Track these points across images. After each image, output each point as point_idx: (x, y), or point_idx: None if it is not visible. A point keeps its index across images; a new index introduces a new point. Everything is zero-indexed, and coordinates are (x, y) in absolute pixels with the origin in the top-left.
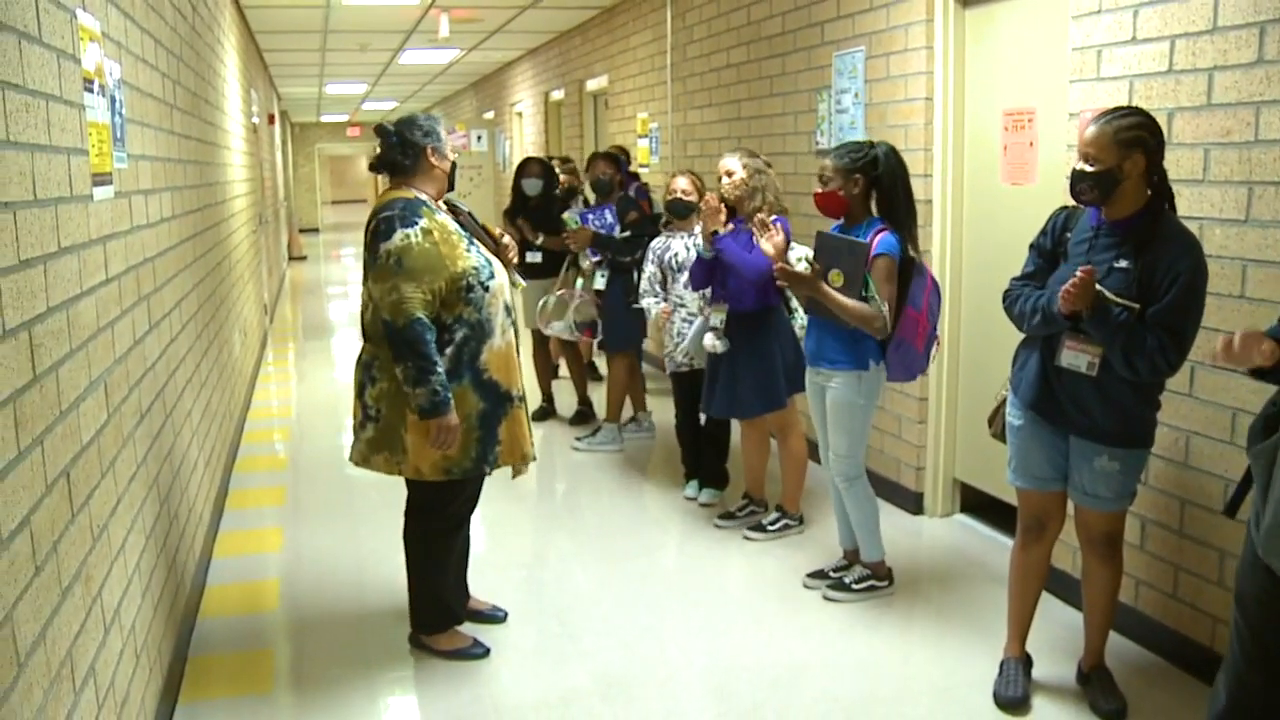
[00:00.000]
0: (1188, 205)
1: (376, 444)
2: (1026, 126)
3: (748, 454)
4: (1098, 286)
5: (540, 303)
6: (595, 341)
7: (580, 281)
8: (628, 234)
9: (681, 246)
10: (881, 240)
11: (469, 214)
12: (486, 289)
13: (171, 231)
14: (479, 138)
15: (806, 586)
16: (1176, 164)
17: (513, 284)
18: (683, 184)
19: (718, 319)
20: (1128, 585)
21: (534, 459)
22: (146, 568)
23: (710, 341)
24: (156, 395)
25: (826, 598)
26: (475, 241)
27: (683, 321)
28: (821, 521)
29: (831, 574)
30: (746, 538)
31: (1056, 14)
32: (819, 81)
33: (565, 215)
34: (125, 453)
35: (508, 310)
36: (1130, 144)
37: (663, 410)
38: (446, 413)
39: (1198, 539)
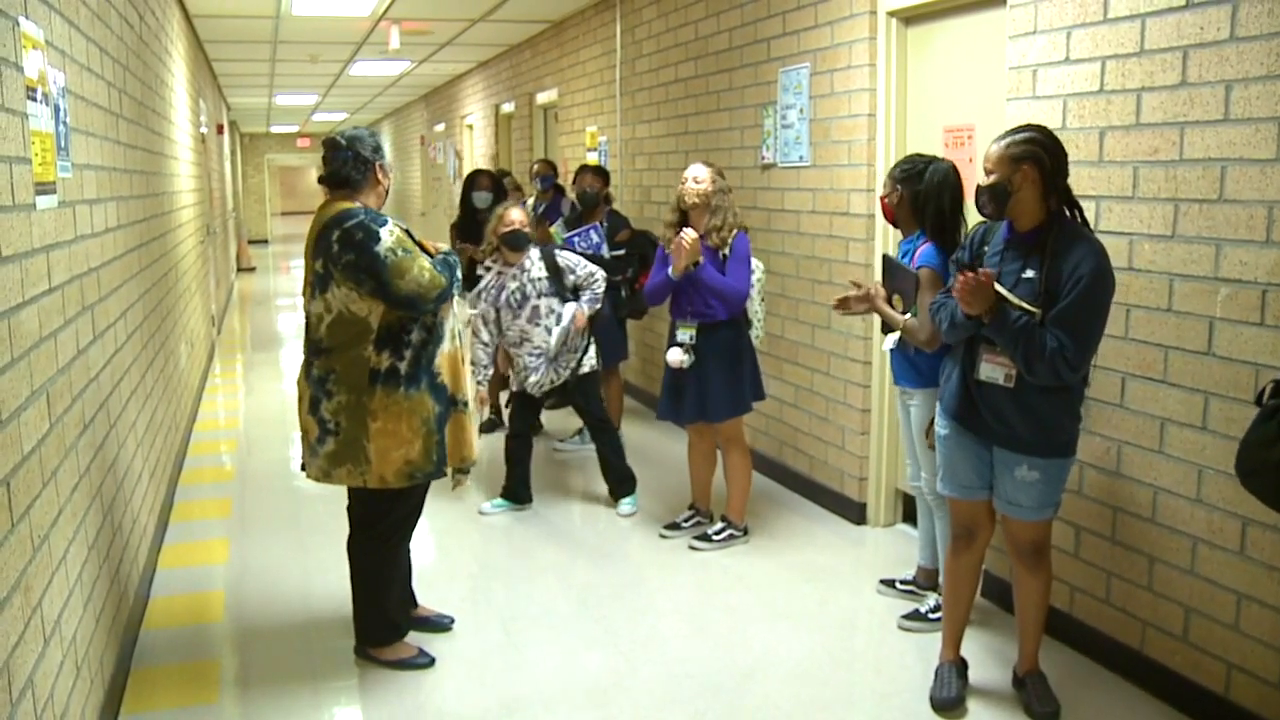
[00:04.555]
0: (1118, 221)
1: (338, 458)
2: (966, 143)
3: (694, 465)
4: (998, 288)
5: None
6: None
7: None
8: (620, 252)
9: (516, 285)
10: (921, 253)
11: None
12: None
13: (117, 241)
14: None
15: (902, 628)
16: (1108, 180)
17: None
18: (516, 215)
19: (686, 335)
20: (1062, 591)
21: (474, 462)
22: (89, 579)
23: (678, 357)
24: (100, 406)
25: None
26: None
27: (529, 355)
28: (766, 532)
29: (900, 584)
30: (692, 548)
31: (995, 34)
32: (765, 97)
33: (552, 230)
34: (68, 463)
35: (454, 317)
36: (1020, 158)
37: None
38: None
39: (1129, 546)
